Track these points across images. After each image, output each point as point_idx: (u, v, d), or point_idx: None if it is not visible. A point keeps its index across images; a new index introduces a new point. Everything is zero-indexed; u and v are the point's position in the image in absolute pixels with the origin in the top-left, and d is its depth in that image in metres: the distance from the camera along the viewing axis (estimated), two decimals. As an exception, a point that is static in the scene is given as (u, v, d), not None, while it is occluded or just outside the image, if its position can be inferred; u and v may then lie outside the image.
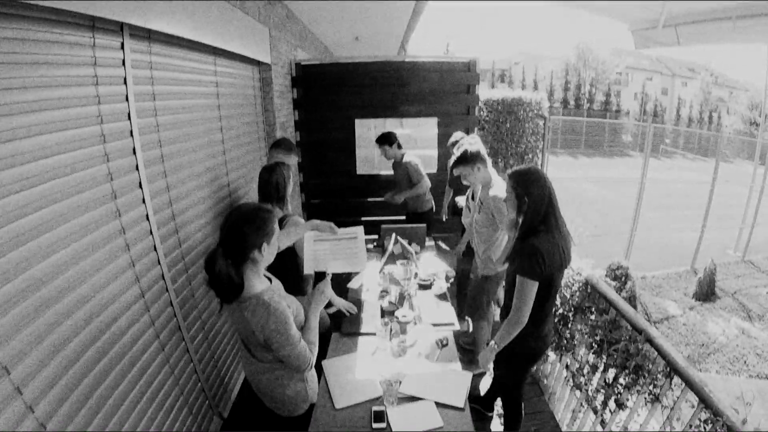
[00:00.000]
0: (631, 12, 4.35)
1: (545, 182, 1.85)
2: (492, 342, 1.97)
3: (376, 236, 3.76)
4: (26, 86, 1.31)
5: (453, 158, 2.77)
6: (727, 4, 3.66)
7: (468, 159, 2.64)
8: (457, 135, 3.80)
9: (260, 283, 1.53)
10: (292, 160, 2.82)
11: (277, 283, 1.67)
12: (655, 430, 1.94)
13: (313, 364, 1.60)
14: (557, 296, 2.60)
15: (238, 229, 1.46)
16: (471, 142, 2.82)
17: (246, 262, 1.48)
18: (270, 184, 2.32)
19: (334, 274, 1.95)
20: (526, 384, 2.97)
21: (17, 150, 1.26)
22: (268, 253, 1.52)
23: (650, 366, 1.93)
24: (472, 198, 3.01)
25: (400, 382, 1.85)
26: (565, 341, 2.55)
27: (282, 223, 2.28)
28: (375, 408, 1.74)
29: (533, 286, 1.79)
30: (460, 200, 3.44)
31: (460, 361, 2.07)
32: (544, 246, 1.78)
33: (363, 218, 4.58)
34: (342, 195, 4.74)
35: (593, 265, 2.53)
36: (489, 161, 2.71)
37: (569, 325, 2.54)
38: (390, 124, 4.43)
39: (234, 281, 1.42)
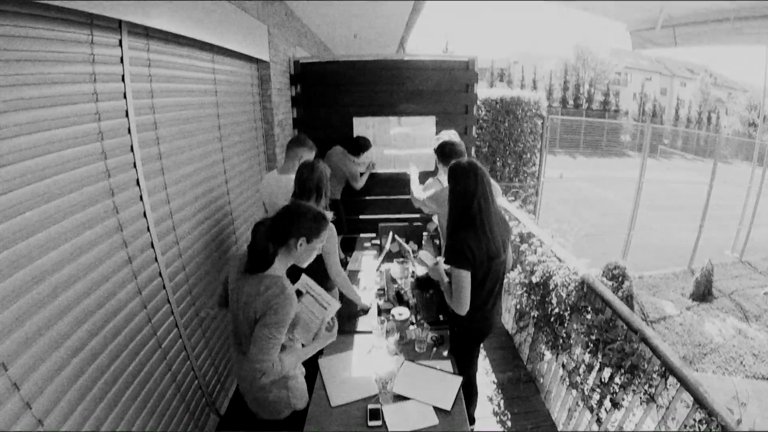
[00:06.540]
0: (630, 12, 4.34)
1: (473, 180, 1.86)
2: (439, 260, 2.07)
3: (373, 234, 3.77)
4: (23, 83, 1.31)
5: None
6: (726, 4, 3.64)
7: (442, 153, 2.67)
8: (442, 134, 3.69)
9: (283, 273, 1.59)
10: (312, 157, 2.82)
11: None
12: (650, 429, 1.95)
13: (268, 377, 1.45)
14: (553, 295, 2.61)
15: (292, 213, 1.56)
16: (453, 140, 2.78)
17: (283, 245, 1.55)
18: (311, 181, 2.23)
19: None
20: (521, 383, 3.00)
21: (14, 147, 1.26)
22: (303, 251, 1.58)
23: (646, 366, 1.94)
24: None
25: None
26: (561, 340, 2.56)
27: None
28: (371, 406, 1.75)
29: (466, 275, 1.85)
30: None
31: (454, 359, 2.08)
32: (472, 240, 1.85)
33: (360, 216, 4.58)
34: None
35: (589, 264, 2.53)
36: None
37: (565, 325, 2.54)
38: (388, 123, 4.42)
39: (268, 253, 1.51)
